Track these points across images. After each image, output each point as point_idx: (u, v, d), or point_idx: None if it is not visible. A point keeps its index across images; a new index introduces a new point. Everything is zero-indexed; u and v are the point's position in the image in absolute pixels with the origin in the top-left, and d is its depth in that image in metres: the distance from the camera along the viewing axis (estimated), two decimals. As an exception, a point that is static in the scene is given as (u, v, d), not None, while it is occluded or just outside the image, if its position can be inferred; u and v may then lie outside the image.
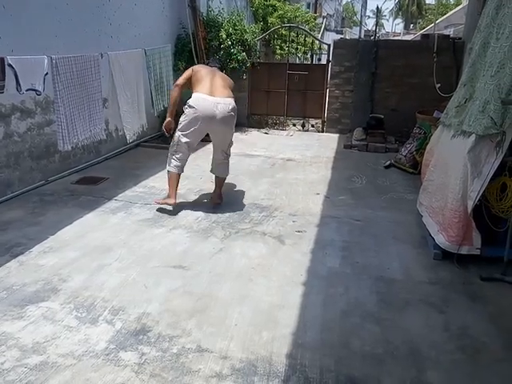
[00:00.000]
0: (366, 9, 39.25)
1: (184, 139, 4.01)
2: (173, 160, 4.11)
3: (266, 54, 10.65)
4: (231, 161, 4.46)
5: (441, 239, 3.30)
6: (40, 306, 2.64)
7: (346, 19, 37.42)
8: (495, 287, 2.99)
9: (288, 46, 9.10)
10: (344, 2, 35.95)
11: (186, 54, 7.49)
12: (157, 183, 4.99)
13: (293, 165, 5.99)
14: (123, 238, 3.60)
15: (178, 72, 7.37)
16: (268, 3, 11.82)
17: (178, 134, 4.04)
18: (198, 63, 7.40)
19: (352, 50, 7.83)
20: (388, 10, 43.24)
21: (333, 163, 6.13)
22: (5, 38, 4.04)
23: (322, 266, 3.23)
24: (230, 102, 4.00)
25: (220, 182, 4.38)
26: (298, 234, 3.78)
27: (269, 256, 3.38)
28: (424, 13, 38.95)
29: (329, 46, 8.17)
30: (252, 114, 8.59)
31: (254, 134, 8.01)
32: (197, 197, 4.62)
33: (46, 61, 3.87)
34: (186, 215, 4.11)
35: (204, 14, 7.80)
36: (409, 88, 7.43)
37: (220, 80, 4.14)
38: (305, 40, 9.88)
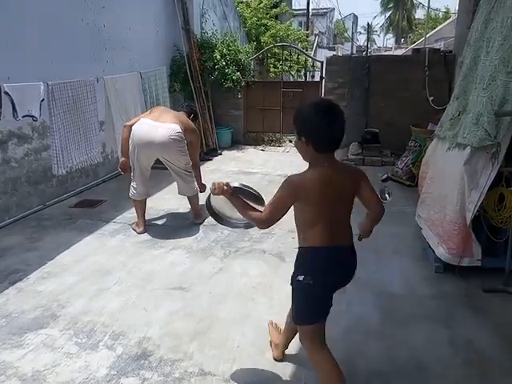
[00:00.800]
0: (357, 25, 40.00)
1: (135, 166, 4.03)
2: (131, 188, 4.15)
3: (260, 72, 10.80)
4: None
5: (441, 252, 3.29)
6: (39, 334, 2.61)
7: (338, 36, 38.05)
8: (498, 298, 2.97)
9: (281, 65, 9.22)
10: (335, 20, 36.58)
11: (181, 75, 7.58)
12: (154, 204, 4.97)
13: (290, 181, 5.99)
14: (122, 260, 3.58)
15: (173, 93, 7.47)
16: (260, 23, 12.03)
17: (130, 162, 4.07)
18: (193, 84, 7.50)
19: (344, 66, 7.94)
20: (379, 26, 44.04)
21: (330, 178, 6.13)
22: (1, 65, 4.08)
23: (324, 283, 3.19)
24: (173, 128, 3.85)
25: (191, 201, 4.34)
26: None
27: (269, 274, 3.35)
28: (414, 27, 39.67)
29: (322, 62, 8.28)
30: (248, 131, 8.65)
31: (250, 152, 8.05)
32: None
33: (42, 87, 3.92)
34: (186, 235, 4.09)
35: (198, 36, 7.93)
36: (402, 102, 7.51)
37: (171, 113, 4.08)
38: (298, 58, 10.02)
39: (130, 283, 3.21)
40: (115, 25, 5.96)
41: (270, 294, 3.06)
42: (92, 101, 4.59)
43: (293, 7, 20.61)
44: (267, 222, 1.90)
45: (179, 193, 4.34)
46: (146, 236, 4.07)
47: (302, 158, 1.90)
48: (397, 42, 40.89)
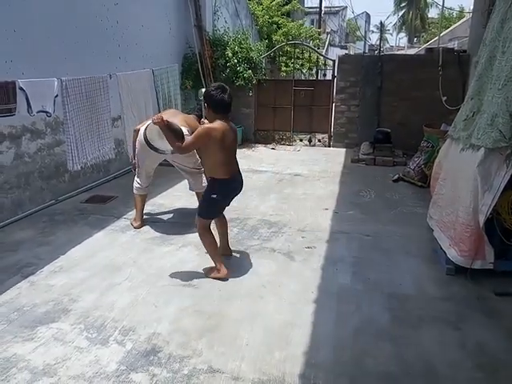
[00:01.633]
0: (369, 24, 39.71)
1: (141, 165, 4.13)
2: (135, 183, 4.23)
3: (272, 70, 10.76)
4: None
5: (453, 254, 3.26)
6: (51, 327, 2.64)
7: (350, 34, 37.79)
8: (510, 302, 2.93)
9: (293, 63, 9.19)
10: (347, 18, 36.33)
11: (192, 72, 7.60)
12: (165, 201, 5.00)
13: (300, 180, 5.99)
14: (133, 256, 3.60)
15: (185, 91, 7.49)
16: (272, 20, 12.00)
17: (136, 161, 4.17)
18: (205, 81, 7.51)
19: (357, 64, 7.89)
20: (392, 25, 43.64)
21: (340, 178, 6.12)
22: (16, 61, 4.13)
23: (333, 283, 3.19)
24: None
25: (200, 197, 4.29)
26: (307, 250, 3.76)
27: (279, 273, 3.35)
28: (427, 26, 39.26)
29: (334, 61, 8.23)
30: (259, 129, 8.64)
31: (260, 150, 8.05)
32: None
33: (56, 83, 3.95)
34: (195, 232, 4.09)
35: (210, 34, 7.94)
36: (415, 101, 7.44)
37: (180, 116, 4.14)
38: (310, 56, 9.97)
39: (141, 279, 3.23)
40: (128, 22, 5.99)
41: (279, 292, 3.06)
42: (105, 97, 4.61)
43: (305, 5, 20.52)
44: (183, 149, 3.12)
45: (190, 189, 4.39)
46: (156, 233, 4.09)
47: (209, 121, 3.10)
48: (409, 41, 40.52)
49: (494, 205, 3.02)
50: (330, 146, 8.30)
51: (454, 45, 16.66)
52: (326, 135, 8.44)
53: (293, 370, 2.28)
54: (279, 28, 12.27)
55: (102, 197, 5.11)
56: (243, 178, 3.33)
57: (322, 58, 10.11)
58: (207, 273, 3.30)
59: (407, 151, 7.05)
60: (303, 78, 11.66)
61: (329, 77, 8.60)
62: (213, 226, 3.41)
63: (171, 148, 3.37)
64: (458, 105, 5.00)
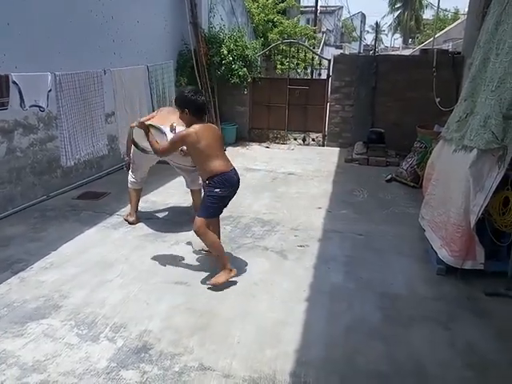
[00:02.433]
0: (364, 24, 39.77)
1: (137, 162, 4.14)
2: (130, 178, 4.23)
3: (267, 69, 10.75)
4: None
5: (444, 254, 3.28)
6: (41, 323, 2.62)
7: (346, 34, 37.84)
8: (500, 302, 2.96)
9: (288, 61, 9.18)
10: (343, 18, 36.36)
11: (187, 69, 7.57)
12: (158, 198, 4.99)
13: (294, 179, 6.00)
14: (125, 253, 3.58)
15: (179, 88, 7.45)
16: (268, 18, 11.98)
17: (131, 159, 4.17)
18: (200, 78, 7.48)
19: (352, 64, 7.90)
20: (387, 25, 43.74)
21: (334, 177, 6.14)
22: (9, 54, 4.09)
23: (326, 282, 3.20)
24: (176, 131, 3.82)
25: (195, 195, 4.26)
26: (300, 248, 3.76)
27: (271, 271, 3.35)
28: (422, 28, 39.41)
29: (329, 61, 8.25)
30: (253, 128, 8.63)
31: (255, 148, 8.04)
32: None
33: (49, 77, 3.90)
34: (189, 229, 4.07)
35: (205, 31, 7.91)
36: (409, 102, 7.47)
37: (177, 115, 3.96)
38: (305, 55, 9.98)
39: (132, 276, 3.22)
40: (123, 17, 5.95)
41: (271, 291, 3.06)
42: (99, 93, 4.58)
43: (301, 4, 20.51)
44: (161, 152, 3.22)
45: (187, 186, 4.36)
46: (149, 230, 4.08)
47: (186, 124, 3.11)
48: (404, 42, 40.65)
49: (485, 205, 3.05)
50: (323, 146, 8.31)
51: (449, 46, 16.74)
52: (320, 134, 8.46)
53: (284, 368, 2.29)
54: (275, 26, 12.26)
55: (94, 193, 5.08)
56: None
57: (317, 57, 10.12)
58: (218, 281, 3.04)
59: (400, 152, 7.08)
60: (298, 77, 11.67)
61: (324, 76, 8.61)
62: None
63: None
64: (451, 106, 5.03)
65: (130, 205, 4.28)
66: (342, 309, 2.85)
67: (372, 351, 2.43)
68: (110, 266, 3.35)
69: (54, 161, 4.81)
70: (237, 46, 7.71)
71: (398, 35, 44.29)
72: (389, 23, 43.29)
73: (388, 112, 7.70)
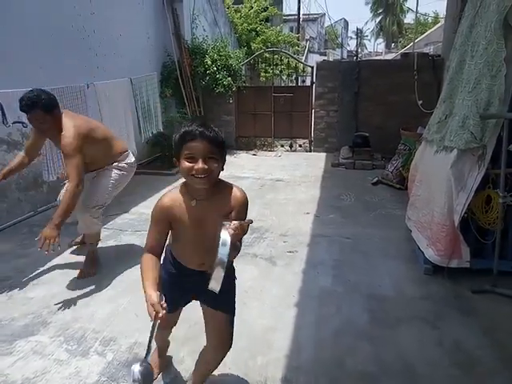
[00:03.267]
0: (347, 31, 40.29)
1: (111, 196, 3.59)
2: (97, 225, 3.51)
3: (251, 77, 10.84)
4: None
5: (430, 253, 3.33)
6: (29, 341, 2.60)
7: (329, 41, 38.30)
8: (486, 299, 3.00)
9: (272, 69, 9.28)
10: (326, 25, 36.83)
11: (172, 80, 7.61)
12: (147, 210, 4.96)
13: (282, 185, 6.03)
14: (113, 266, 3.57)
15: (165, 99, 7.49)
16: (251, 27, 12.10)
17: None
18: (184, 89, 7.52)
19: (335, 71, 8.01)
20: (370, 31, 44.39)
21: (321, 182, 6.19)
22: (-10, 72, 4.08)
23: (314, 286, 3.22)
24: None
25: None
26: (289, 254, 3.78)
27: (261, 278, 3.37)
28: (404, 32, 40.06)
29: (312, 67, 8.35)
30: (240, 136, 8.68)
31: (242, 156, 8.08)
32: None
33: (32, 93, 3.90)
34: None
35: (189, 42, 7.96)
36: (392, 106, 7.59)
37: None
38: (288, 62, 10.09)
39: (121, 289, 3.21)
40: (105, 31, 5.97)
41: (261, 297, 3.07)
42: (82, 107, 4.59)
43: (284, 12, 20.74)
44: None
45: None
46: (136, 241, 4.07)
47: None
48: (387, 46, 41.25)
49: (468, 204, 3.10)
50: (310, 151, 8.38)
51: (430, 50, 17.03)
52: (306, 140, 8.53)
53: (275, 374, 2.30)
54: (258, 35, 12.38)
55: (81, 207, 5.05)
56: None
57: (300, 64, 10.24)
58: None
59: (386, 154, 7.17)
60: (283, 85, 11.77)
61: (308, 83, 8.72)
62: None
63: None
64: (433, 108, 5.10)
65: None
66: (331, 312, 2.87)
67: (360, 353, 2.45)
68: (98, 280, 3.33)
69: (39, 176, 4.78)
70: (220, 55, 7.78)
71: (380, 40, 44.97)
72: (371, 28, 43.96)
73: (371, 116, 7.80)
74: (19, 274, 3.43)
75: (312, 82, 8.26)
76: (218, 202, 1.73)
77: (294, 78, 12.84)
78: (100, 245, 3.99)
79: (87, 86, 4.68)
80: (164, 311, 1.55)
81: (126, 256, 3.77)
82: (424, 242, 3.50)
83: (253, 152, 8.40)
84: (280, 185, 6.06)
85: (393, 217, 4.68)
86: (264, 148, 8.67)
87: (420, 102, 7.15)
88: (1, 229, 4.33)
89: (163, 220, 1.77)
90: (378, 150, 7.38)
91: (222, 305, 1.91)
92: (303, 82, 15.20)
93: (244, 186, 5.84)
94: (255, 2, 12.36)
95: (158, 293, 1.61)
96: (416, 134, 6.06)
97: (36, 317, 2.84)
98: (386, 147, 7.22)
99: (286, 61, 9.98)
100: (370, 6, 40.51)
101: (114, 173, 3.47)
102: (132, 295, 3.10)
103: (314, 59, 16.88)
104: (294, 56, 10.40)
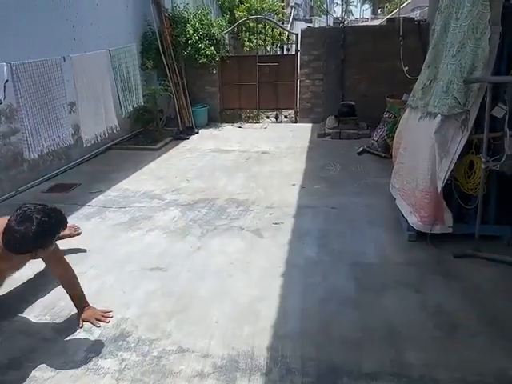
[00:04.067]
0: (333, -4, 39.27)
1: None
2: None
3: (235, 47, 10.57)
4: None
5: (414, 220, 3.36)
6: (15, 321, 2.59)
7: (315, 7, 37.39)
8: (468, 263, 3.06)
9: (256, 38, 9.05)
10: (311, -9, 35.86)
11: (153, 51, 7.38)
12: (131, 185, 4.92)
13: (268, 157, 5.99)
14: (98, 243, 3.54)
15: (146, 71, 7.29)
16: (234, -6, 11.72)
17: None
18: (166, 60, 7.31)
19: (320, 38, 7.84)
20: (356, -4, 43.34)
21: (307, 153, 6.15)
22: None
23: (300, 256, 3.24)
24: None
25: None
26: (275, 226, 3.79)
27: (247, 250, 3.37)
28: (390, -3, 39.23)
29: (296, 35, 8.16)
30: (225, 108, 8.54)
31: (227, 129, 7.97)
32: (174, 196, 4.56)
33: (5, 68, 3.75)
34: (162, 215, 4.07)
35: (169, 10, 7.70)
36: (378, 73, 7.49)
37: None
38: (272, 31, 9.83)
39: (107, 266, 3.19)
40: (82, 0, 5.72)
41: (247, 269, 3.09)
42: (59, 81, 4.43)
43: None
44: None
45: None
46: (121, 218, 4.03)
47: None
48: (374, 12, 40.48)
49: (451, 170, 3.11)
50: (296, 122, 8.30)
51: (417, 14, 16.75)
52: (292, 111, 8.43)
53: (261, 344, 2.33)
54: (241, 3, 12.01)
55: (64, 185, 4.97)
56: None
57: (285, 32, 9.99)
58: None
59: (371, 123, 7.10)
60: (267, 54, 11.53)
61: (293, 52, 8.53)
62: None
63: None
64: (418, 74, 5.05)
65: None
66: (317, 281, 2.90)
67: (346, 320, 2.49)
68: (84, 258, 3.31)
69: (19, 155, 4.66)
70: (202, 24, 7.55)
71: (367, 6, 44.00)
72: (358, -6, 42.90)
73: (357, 84, 7.71)
74: (3, 254, 3.38)
75: (297, 50, 8.09)
76: None
77: (278, 46, 12.56)
78: (85, 222, 3.95)
79: (64, 58, 4.50)
80: None
81: (111, 233, 3.74)
82: (407, 209, 3.52)
83: (238, 124, 8.28)
84: (266, 157, 6.01)
85: (378, 185, 4.68)
86: (250, 120, 8.55)
87: (406, 68, 7.04)
88: (-18, 209, 4.25)
89: None
90: (363, 119, 7.31)
91: None
92: (288, 50, 14.89)
93: (230, 159, 5.86)
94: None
95: None
96: (401, 102, 6.00)
97: (20, 296, 2.82)
98: (371, 116, 7.15)
99: (270, 31, 9.71)
100: (355, -31, 39.42)
101: None
102: (118, 272, 3.10)
103: (300, 27, 16.50)
104: (279, 24, 10.14)
